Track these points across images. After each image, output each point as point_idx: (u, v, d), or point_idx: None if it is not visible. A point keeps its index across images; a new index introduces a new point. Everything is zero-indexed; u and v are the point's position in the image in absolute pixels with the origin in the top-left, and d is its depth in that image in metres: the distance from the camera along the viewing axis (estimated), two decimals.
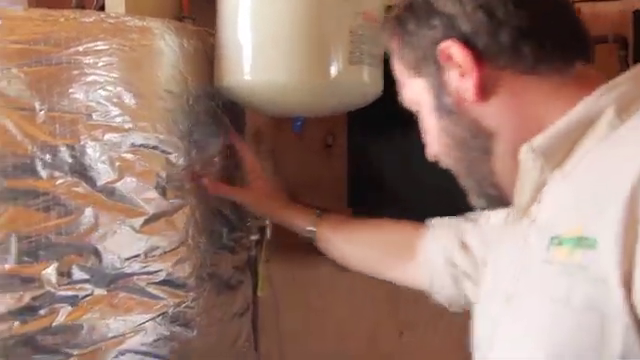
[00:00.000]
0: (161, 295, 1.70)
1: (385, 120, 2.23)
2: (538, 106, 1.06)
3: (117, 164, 1.66)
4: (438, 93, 1.13)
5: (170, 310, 1.70)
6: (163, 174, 1.71)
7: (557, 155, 1.04)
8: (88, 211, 1.64)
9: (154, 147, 1.71)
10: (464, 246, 1.52)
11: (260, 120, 2.37)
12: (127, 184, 1.67)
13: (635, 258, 0.88)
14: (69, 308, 1.63)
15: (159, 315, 1.69)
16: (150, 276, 1.68)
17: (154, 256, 1.69)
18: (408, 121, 2.29)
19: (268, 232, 2.16)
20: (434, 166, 2.23)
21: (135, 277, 1.67)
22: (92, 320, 1.64)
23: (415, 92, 1.18)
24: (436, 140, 1.18)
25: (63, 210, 1.63)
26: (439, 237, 1.59)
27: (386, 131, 2.26)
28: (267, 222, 2.16)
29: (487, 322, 1.18)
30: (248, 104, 1.89)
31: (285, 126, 2.29)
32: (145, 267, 1.68)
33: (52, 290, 1.62)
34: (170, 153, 1.73)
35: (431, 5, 1.12)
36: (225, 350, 1.86)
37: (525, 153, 1.06)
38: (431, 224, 1.64)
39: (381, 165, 2.28)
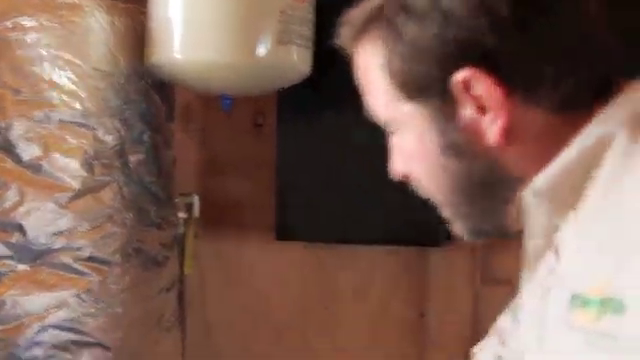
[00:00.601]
0: (86, 271, 1.70)
1: (316, 100, 2.25)
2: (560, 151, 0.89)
3: (44, 140, 1.66)
4: (444, 128, 0.91)
5: (95, 286, 1.71)
6: (91, 151, 1.72)
7: (565, 195, 0.88)
8: (13, 187, 1.64)
9: (82, 124, 1.71)
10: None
11: (190, 97, 2.37)
12: (53, 160, 1.67)
13: None
14: None
15: (84, 291, 1.70)
16: (75, 252, 1.69)
17: (80, 232, 1.69)
18: (339, 101, 2.31)
19: (196, 210, 2.17)
20: (364, 148, 2.27)
21: (60, 253, 1.68)
22: (15, 296, 1.65)
23: (402, 115, 0.94)
24: (428, 178, 0.97)
25: None
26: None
27: (317, 111, 2.29)
28: (195, 199, 2.18)
29: None
30: (178, 81, 1.90)
31: (215, 104, 2.30)
32: (70, 243, 1.69)
33: None
34: (98, 130, 1.73)
35: (443, 9, 0.86)
36: (151, 325, 1.87)
37: (527, 197, 0.90)
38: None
39: (311, 146, 2.30)
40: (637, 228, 0.79)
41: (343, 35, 0.97)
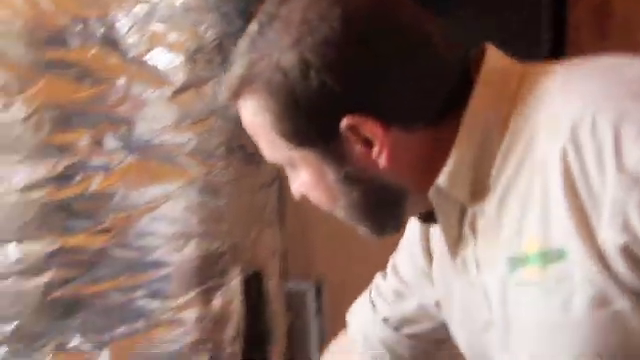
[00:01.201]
0: (191, 164, 1.74)
1: None
2: (447, 152, 1.01)
3: (147, 35, 1.69)
4: (337, 164, 1.02)
5: (200, 178, 1.75)
6: (192, 46, 1.73)
7: (468, 184, 1.01)
8: (119, 82, 1.68)
9: (183, 19, 1.72)
10: (372, 303, 1.40)
11: None
12: (157, 55, 1.70)
13: (602, 244, 0.89)
14: (102, 176, 1.68)
15: (189, 183, 1.74)
16: (180, 145, 1.73)
17: (184, 126, 1.72)
18: None
19: None
20: None
21: (166, 146, 1.72)
22: (124, 187, 1.70)
23: (295, 159, 1.04)
24: (329, 203, 1.07)
25: (95, 81, 1.67)
26: (357, 315, 1.46)
27: None
28: None
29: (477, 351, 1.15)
30: None
31: None
32: (175, 136, 1.72)
33: (85, 158, 1.67)
34: (199, 25, 1.74)
35: (315, 69, 0.96)
36: (253, 219, 1.91)
37: (433, 195, 1.02)
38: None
39: None
40: (548, 186, 0.92)
41: (223, 96, 1.05)
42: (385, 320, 1.36)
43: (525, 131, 0.98)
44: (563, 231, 0.91)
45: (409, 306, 1.33)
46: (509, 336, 1.03)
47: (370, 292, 1.41)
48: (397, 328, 1.35)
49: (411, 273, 1.32)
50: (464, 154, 1.00)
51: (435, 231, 1.19)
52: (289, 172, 1.09)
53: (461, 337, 1.19)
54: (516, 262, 0.98)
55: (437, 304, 1.25)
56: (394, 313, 1.35)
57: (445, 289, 1.19)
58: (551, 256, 0.93)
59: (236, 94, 1.02)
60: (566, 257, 0.92)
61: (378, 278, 1.40)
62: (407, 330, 1.35)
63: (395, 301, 1.35)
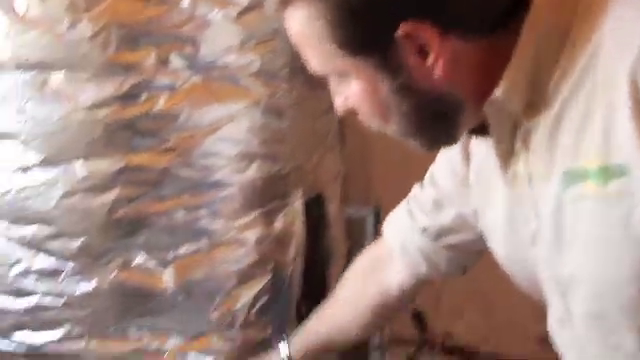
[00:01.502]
0: (255, 85, 1.74)
1: None
2: (505, 64, 1.00)
3: None
4: (392, 73, 1.00)
5: (263, 100, 1.75)
6: None
7: (524, 97, 1.00)
8: (184, 1, 1.68)
9: None
10: (410, 213, 1.41)
11: None
12: None
13: None
14: (167, 95, 1.69)
15: (253, 104, 1.74)
16: (244, 66, 1.72)
17: (248, 47, 1.72)
18: None
19: None
20: None
21: (230, 67, 1.72)
22: (189, 107, 1.71)
23: (346, 68, 1.02)
24: (381, 116, 1.05)
25: (160, 0, 1.67)
26: (395, 224, 1.47)
27: None
28: None
29: (521, 268, 1.15)
30: None
31: None
32: (240, 57, 1.72)
33: (151, 77, 1.68)
34: None
35: None
36: (316, 143, 1.91)
37: (488, 107, 1.01)
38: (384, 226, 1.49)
39: None
40: (612, 101, 0.91)
41: (272, 5, 1.09)
42: (424, 230, 1.37)
43: (588, 44, 0.96)
44: (627, 147, 0.90)
45: (447, 216, 1.34)
46: (560, 248, 1.02)
47: (408, 202, 1.42)
48: (435, 238, 1.37)
49: (450, 183, 1.32)
50: (522, 66, 0.99)
51: (475, 141, 1.18)
52: (335, 85, 1.08)
53: (501, 249, 1.20)
54: (573, 177, 0.97)
55: (475, 213, 1.26)
56: (433, 223, 1.36)
57: (485, 200, 1.20)
58: (612, 171, 0.92)
59: (286, 1, 1.01)
60: (629, 173, 0.91)
61: (416, 189, 1.41)
62: (445, 240, 1.36)
63: (433, 210, 1.36)
